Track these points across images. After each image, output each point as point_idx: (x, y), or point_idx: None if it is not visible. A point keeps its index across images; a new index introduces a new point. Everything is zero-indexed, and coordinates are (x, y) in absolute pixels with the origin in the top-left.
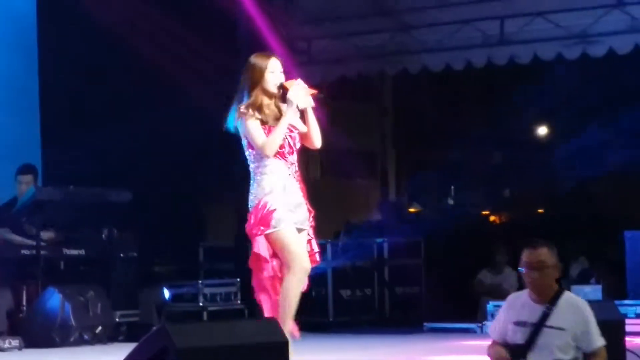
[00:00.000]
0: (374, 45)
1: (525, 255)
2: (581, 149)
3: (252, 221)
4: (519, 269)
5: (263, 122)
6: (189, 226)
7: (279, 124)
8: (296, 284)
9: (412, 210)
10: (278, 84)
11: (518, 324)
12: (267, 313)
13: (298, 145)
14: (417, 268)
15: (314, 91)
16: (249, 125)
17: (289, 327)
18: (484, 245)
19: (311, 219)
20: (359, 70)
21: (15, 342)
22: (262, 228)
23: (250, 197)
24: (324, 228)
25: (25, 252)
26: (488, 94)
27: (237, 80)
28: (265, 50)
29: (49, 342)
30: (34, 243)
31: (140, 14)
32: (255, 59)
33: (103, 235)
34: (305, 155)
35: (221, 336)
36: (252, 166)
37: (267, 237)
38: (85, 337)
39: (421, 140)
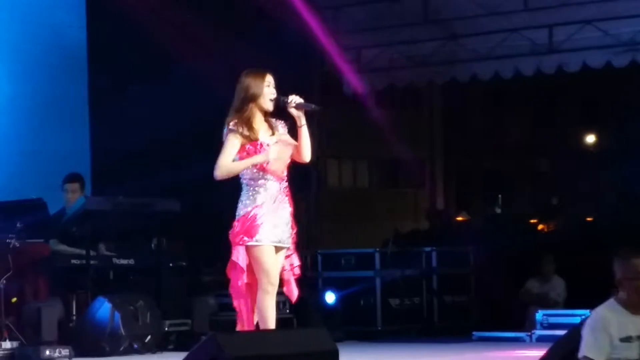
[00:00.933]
0: (422, 54)
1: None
2: (629, 156)
3: (237, 229)
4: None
5: (251, 139)
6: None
7: (244, 162)
8: (265, 298)
9: (460, 218)
10: (272, 99)
11: (625, 339)
12: (240, 322)
13: (288, 161)
14: (466, 277)
15: (293, 142)
16: (228, 141)
17: None
18: (533, 254)
19: (294, 234)
20: (407, 79)
21: (65, 352)
22: (245, 238)
23: (240, 206)
24: (372, 237)
25: (75, 262)
26: (535, 102)
27: (284, 91)
28: (318, 56)
29: (99, 351)
30: (83, 252)
31: (190, 32)
32: (252, 75)
33: (152, 245)
34: (354, 164)
35: (271, 345)
36: (244, 177)
37: (247, 247)
38: (135, 346)
39: (469, 149)
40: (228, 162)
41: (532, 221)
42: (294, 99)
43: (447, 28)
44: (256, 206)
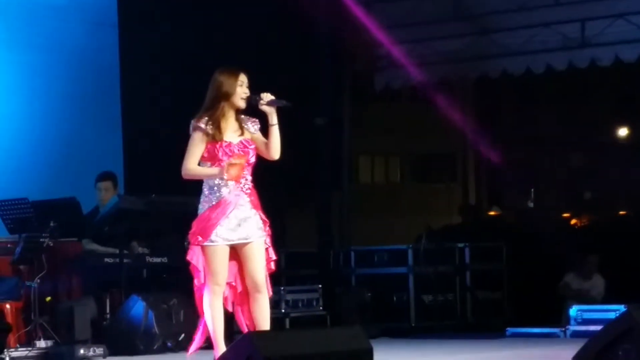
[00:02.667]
0: (454, 50)
1: None
2: None
3: (193, 229)
4: None
5: (215, 139)
6: (271, 232)
7: (204, 172)
8: (211, 297)
9: (492, 213)
10: (245, 98)
11: None
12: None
13: (252, 160)
14: (499, 273)
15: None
16: (192, 139)
17: (217, 338)
18: (566, 249)
19: (267, 228)
20: (439, 74)
21: (99, 350)
22: (200, 238)
23: (200, 206)
24: (404, 232)
25: (108, 260)
26: (568, 96)
27: (316, 86)
28: (348, 53)
29: (133, 349)
30: (116, 251)
31: (217, 32)
32: (226, 73)
33: (185, 243)
34: (386, 159)
35: (305, 344)
36: None
37: (202, 247)
38: (169, 344)
39: (501, 143)
40: (193, 165)
41: (564, 215)
42: (266, 96)
43: (478, 23)
44: (212, 206)
